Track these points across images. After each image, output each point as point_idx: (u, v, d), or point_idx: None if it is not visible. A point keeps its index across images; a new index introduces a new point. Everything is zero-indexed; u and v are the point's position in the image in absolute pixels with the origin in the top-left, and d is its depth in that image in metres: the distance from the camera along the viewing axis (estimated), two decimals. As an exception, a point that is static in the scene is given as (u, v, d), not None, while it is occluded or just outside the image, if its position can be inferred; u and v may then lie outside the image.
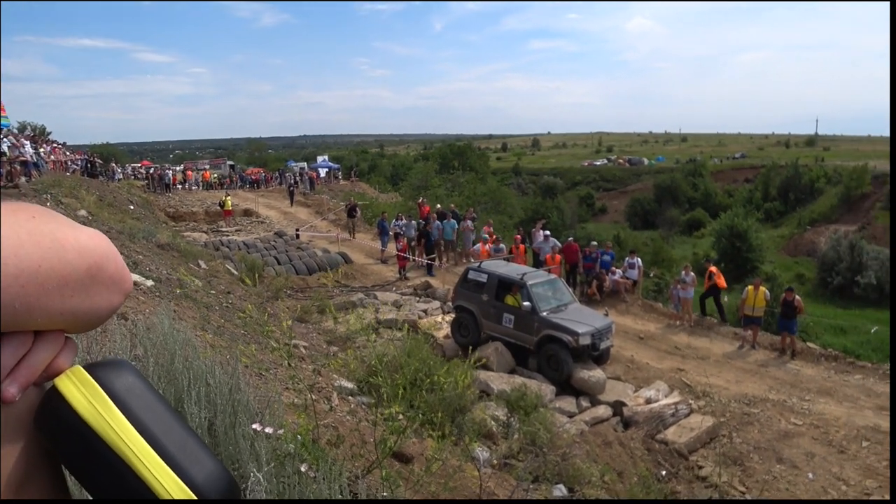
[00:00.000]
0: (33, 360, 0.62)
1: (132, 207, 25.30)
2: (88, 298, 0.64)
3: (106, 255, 0.67)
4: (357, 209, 28.29)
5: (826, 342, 19.73)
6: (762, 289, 15.48)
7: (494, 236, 20.87)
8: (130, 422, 0.63)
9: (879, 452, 10.59)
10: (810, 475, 10.05)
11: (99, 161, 42.45)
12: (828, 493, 9.62)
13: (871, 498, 9.45)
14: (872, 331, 24.19)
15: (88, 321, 0.67)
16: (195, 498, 0.62)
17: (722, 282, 16.95)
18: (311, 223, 30.42)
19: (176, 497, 0.61)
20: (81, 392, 0.63)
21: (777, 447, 10.84)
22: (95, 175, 36.51)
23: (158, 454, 0.62)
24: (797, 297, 15.25)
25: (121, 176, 44.29)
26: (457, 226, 22.08)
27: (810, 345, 16.34)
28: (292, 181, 42.60)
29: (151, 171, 46.87)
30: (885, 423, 11.51)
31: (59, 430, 0.62)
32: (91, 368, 0.65)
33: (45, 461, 0.65)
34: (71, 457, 0.63)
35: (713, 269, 17.46)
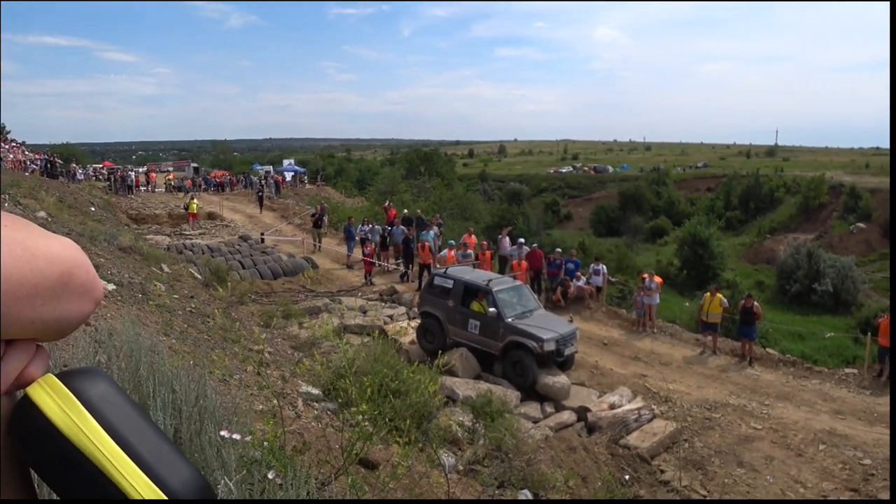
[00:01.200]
0: (5, 369, 0.62)
1: (93, 209, 24.87)
2: (59, 307, 0.64)
3: (77, 263, 0.67)
4: (324, 218, 26.82)
5: (784, 348, 20.13)
6: (718, 295, 15.84)
7: (473, 240, 20.79)
8: (105, 429, 0.63)
9: (835, 455, 10.87)
10: (769, 478, 10.26)
11: (59, 161, 41.62)
12: (786, 495, 9.84)
13: (842, 499, 9.68)
14: (827, 336, 24.75)
15: (60, 329, 0.66)
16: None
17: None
18: (277, 227, 30.14)
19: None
20: (55, 400, 0.62)
21: (737, 451, 11.05)
22: (56, 175, 35.81)
23: (134, 461, 0.62)
24: (756, 303, 15.60)
25: (82, 177, 43.43)
26: (432, 235, 21.73)
27: (769, 350, 16.69)
28: (260, 186, 41.99)
29: (114, 172, 45.96)
30: (841, 427, 11.82)
31: (32, 438, 0.62)
32: (64, 377, 0.64)
33: (14, 470, 0.64)
34: (45, 466, 0.62)
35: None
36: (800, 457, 10.93)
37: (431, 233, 21.61)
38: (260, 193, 37.63)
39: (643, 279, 17.69)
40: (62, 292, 0.64)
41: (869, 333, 15.63)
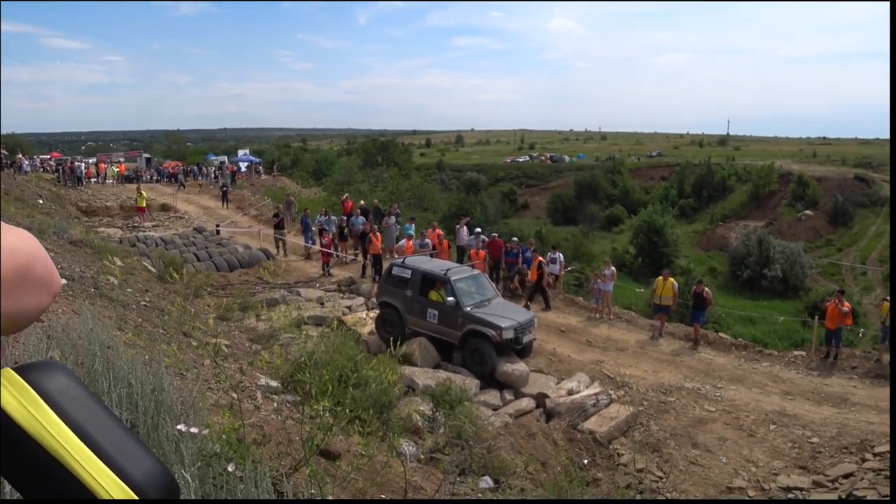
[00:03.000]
0: None
1: (41, 202, 24.20)
2: (17, 299, 0.63)
3: (35, 255, 0.66)
4: (285, 216, 24.75)
5: (736, 332, 20.67)
6: (671, 280, 16.19)
7: (439, 233, 20.77)
8: (66, 423, 0.62)
9: (785, 435, 11.23)
10: (723, 458, 10.55)
11: (4, 152, 40.32)
12: (739, 474, 10.13)
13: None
14: (780, 321, 25.45)
15: (17, 323, 0.65)
16: (136, 498, 0.62)
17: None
18: (232, 219, 29.71)
19: (117, 497, 0.61)
20: (13, 394, 0.61)
21: (692, 433, 11.32)
22: (0, 167, 34.68)
23: (96, 454, 0.61)
24: (706, 289, 16.05)
25: (29, 168, 42.15)
26: (412, 227, 21.55)
27: (722, 335, 17.11)
28: (221, 180, 40.57)
29: (63, 163, 44.62)
30: (790, 407, 12.21)
31: None
32: (22, 370, 0.63)
33: None
34: (4, 461, 0.61)
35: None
36: (752, 437, 11.26)
37: (413, 226, 21.57)
38: (225, 189, 35.27)
39: (604, 265, 18.06)
40: (20, 285, 0.63)
41: (816, 317, 16.12)
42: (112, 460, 0.62)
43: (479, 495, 6.24)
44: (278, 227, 24.03)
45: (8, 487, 0.67)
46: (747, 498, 9.63)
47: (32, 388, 0.62)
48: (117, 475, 0.61)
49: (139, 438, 0.68)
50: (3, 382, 0.62)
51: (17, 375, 0.63)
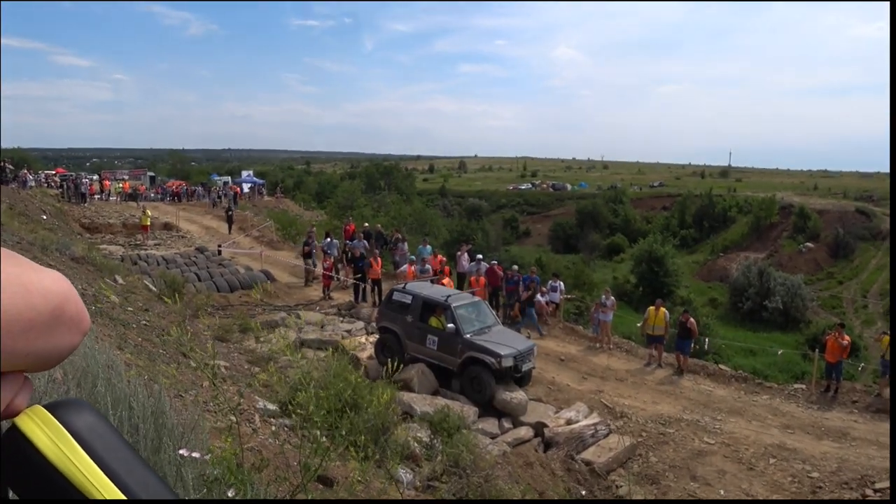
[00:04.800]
0: None
1: (45, 217, 24.26)
2: (51, 340, 0.65)
3: (68, 297, 0.68)
4: (313, 244, 22.37)
5: (736, 364, 20.59)
6: (662, 310, 16.25)
7: (441, 259, 20.80)
8: (94, 461, 0.63)
9: (785, 469, 11.15)
10: (722, 491, 10.47)
11: (10, 167, 40.47)
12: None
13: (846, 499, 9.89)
14: (779, 353, 25.35)
15: (49, 361, 0.67)
16: None
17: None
18: (234, 239, 29.74)
19: None
20: (44, 432, 0.62)
21: (691, 465, 11.25)
22: (6, 181, 34.80)
23: (122, 492, 0.63)
24: (692, 319, 16.19)
25: (33, 183, 42.26)
26: (430, 250, 21.47)
27: (722, 366, 17.05)
28: (226, 202, 40.19)
29: (67, 179, 44.73)
30: (790, 441, 12.13)
31: (22, 471, 0.62)
32: (51, 408, 0.65)
33: None
34: (33, 495, 0.62)
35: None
36: (751, 470, 11.18)
37: (429, 247, 21.61)
38: (230, 212, 33.59)
39: (604, 295, 18.09)
40: (54, 326, 0.65)
41: (817, 350, 16.07)
42: (137, 498, 0.63)
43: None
44: (307, 255, 22.51)
45: None
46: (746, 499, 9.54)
47: (62, 425, 0.64)
48: None
49: (162, 478, 0.69)
50: (35, 420, 0.63)
51: (48, 413, 0.64)
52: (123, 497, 0.63)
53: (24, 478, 0.62)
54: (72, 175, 50.20)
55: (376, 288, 19.38)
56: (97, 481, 0.62)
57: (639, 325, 18.22)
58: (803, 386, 15.36)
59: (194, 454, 2.57)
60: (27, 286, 0.62)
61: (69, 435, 0.63)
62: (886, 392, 13.89)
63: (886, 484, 10.36)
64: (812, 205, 68.64)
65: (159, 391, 3.38)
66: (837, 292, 48.72)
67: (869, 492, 10.31)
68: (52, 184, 45.62)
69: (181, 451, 2.51)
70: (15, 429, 0.63)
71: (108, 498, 0.62)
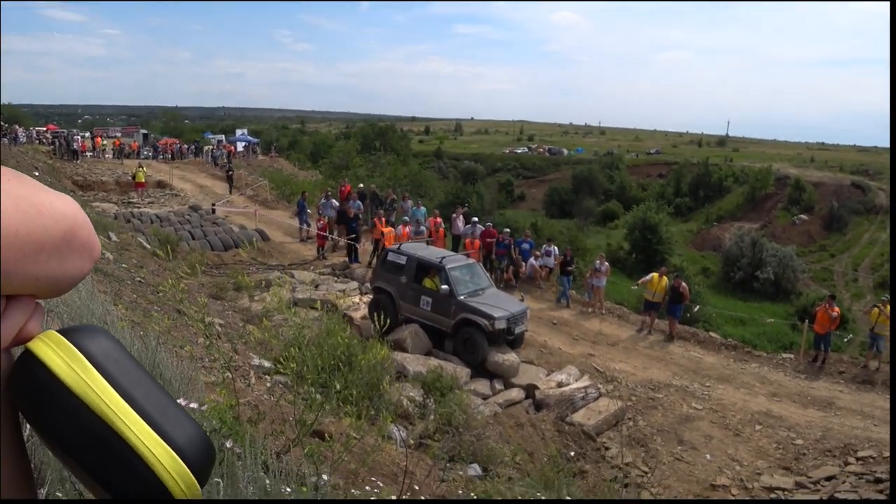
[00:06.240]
0: (6, 324, 0.61)
1: (37, 174, 23.97)
2: (62, 264, 0.64)
3: (79, 221, 0.67)
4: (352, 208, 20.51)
5: (726, 332, 20.75)
6: (665, 278, 16.24)
7: (438, 221, 20.73)
8: (111, 384, 0.63)
9: (770, 435, 11.34)
10: (708, 456, 10.65)
11: (3, 123, 40.00)
12: (723, 472, 10.23)
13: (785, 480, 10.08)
14: (767, 321, 25.58)
15: (60, 287, 0.66)
16: (179, 461, 0.63)
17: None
18: (228, 198, 29.60)
19: (161, 457, 0.62)
20: (59, 355, 0.62)
21: (678, 430, 11.42)
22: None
23: (141, 416, 0.62)
24: (684, 284, 16.19)
25: (24, 140, 41.81)
26: (423, 212, 21.41)
27: (712, 334, 17.21)
28: (220, 160, 40.10)
29: (59, 136, 44.21)
30: (777, 409, 12.31)
31: (37, 393, 0.61)
32: (65, 332, 0.64)
33: (10, 429, 0.63)
34: (50, 422, 0.62)
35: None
36: (737, 436, 11.37)
37: (423, 209, 21.52)
38: (230, 172, 32.37)
39: (598, 260, 18.13)
40: (65, 250, 0.64)
41: (806, 321, 16.23)
42: (155, 423, 0.63)
43: (468, 494, 6.29)
44: (349, 224, 20.23)
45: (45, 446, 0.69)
46: (735, 497, 9.72)
47: (77, 349, 0.63)
48: (160, 436, 0.63)
49: (178, 403, 0.69)
50: (49, 343, 0.63)
51: (61, 336, 0.63)
52: (140, 420, 0.63)
53: (39, 402, 0.62)
54: (63, 132, 49.59)
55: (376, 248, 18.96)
56: (114, 404, 0.62)
57: (634, 287, 18.35)
58: (791, 356, 15.53)
59: (192, 404, 2.59)
60: (38, 207, 0.62)
61: (84, 359, 0.63)
62: (873, 364, 14.10)
63: (869, 452, 10.56)
64: (808, 177, 68.50)
65: (154, 343, 3.40)
66: (829, 265, 48.94)
67: (851, 460, 10.49)
68: (44, 140, 45.10)
69: (179, 400, 2.52)
70: (28, 353, 0.62)
71: (123, 419, 0.62)
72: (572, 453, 10.05)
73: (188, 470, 0.63)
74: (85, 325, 0.69)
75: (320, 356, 4.77)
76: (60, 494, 1.94)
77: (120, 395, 0.63)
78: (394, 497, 4.00)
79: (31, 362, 0.62)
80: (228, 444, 2.57)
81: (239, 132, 66.73)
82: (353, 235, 19.80)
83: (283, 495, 2.61)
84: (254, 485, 2.43)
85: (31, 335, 0.64)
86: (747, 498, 9.66)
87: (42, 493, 1.87)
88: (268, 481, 2.51)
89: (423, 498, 3.89)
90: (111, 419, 0.62)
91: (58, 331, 0.65)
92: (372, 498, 3.42)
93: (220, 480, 2.18)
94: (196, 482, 0.64)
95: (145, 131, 63.87)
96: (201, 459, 0.65)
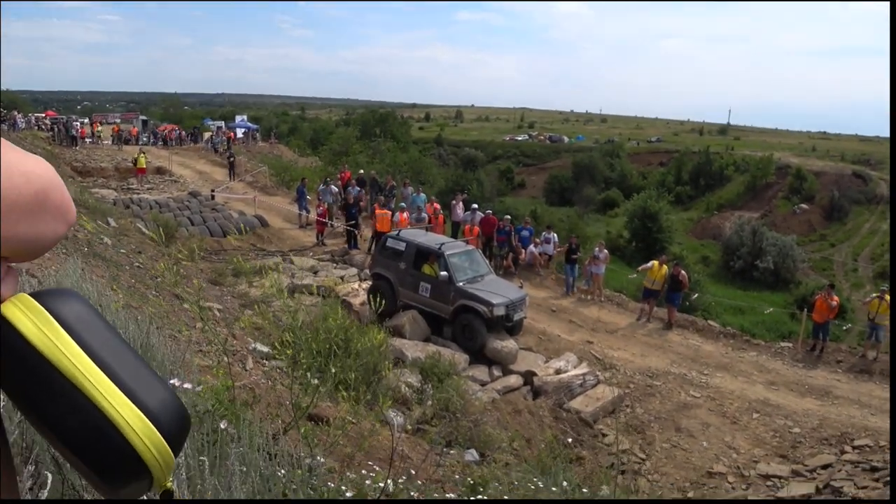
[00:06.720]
0: None
1: (35, 159, 23.97)
2: (34, 226, 0.63)
3: (52, 183, 0.65)
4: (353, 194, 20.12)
5: (725, 321, 20.79)
6: (664, 266, 16.23)
7: (436, 207, 20.69)
8: (81, 348, 0.62)
9: (767, 424, 11.35)
10: (705, 443, 10.68)
11: (3, 110, 39.87)
12: (720, 459, 10.26)
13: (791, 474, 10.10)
14: (769, 311, 25.61)
15: (33, 249, 0.65)
16: (151, 426, 0.62)
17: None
18: (227, 184, 29.53)
19: (132, 422, 0.61)
20: (29, 318, 0.61)
21: (676, 417, 11.45)
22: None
23: (112, 380, 0.62)
24: (683, 272, 16.17)
25: (23, 125, 41.68)
26: (423, 199, 21.31)
27: (710, 322, 17.23)
28: (220, 147, 40.03)
29: (58, 122, 44.03)
30: (774, 397, 12.33)
31: (6, 356, 0.60)
32: (38, 296, 0.63)
33: None
34: (19, 385, 0.61)
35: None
36: (734, 424, 11.39)
37: (423, 195, 21.46)
38: (232, 159, 31.83)
39: (597, 248, 18.11)
40: (38, 211, 0.63)
41: (805, 310, 16.22)
42: (127, 387, 0.62)
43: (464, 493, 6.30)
44: (349, 210, 19.91)
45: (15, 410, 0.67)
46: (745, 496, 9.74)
47: (49, 312, 0.62)
48: (132, 401, 0.62)
49: (152, 368, 0.68)
50: (19, 306, 0.62)
51: (33, 300, 0.63)
52: (111, 384, 0.62)
53: (9, 367, 0.61)
54: (62, 118, 49.42)
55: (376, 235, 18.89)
56: (85, 369, 0.61)
57: (632, 275, 18.33)
58: (790, 344, 15.54)
59: (186, 385, 2.58)
60: (8, 166, 0.60)
61: (56, 322, 0.62)
62: (871, 354, 14.11)
63: (865, 441, 10.57)
64: (809, 166, 68.43)
65: (147, 324, 3.38)
66: (829, 254, 48.97)
67: (847, 448, 10.51)
68: (43, 127, 44.94)
69: (173, 381, 2.52)
70: None
71: (93, 382, 0.61)
72: (569, 440, 10.07)
73: (160, 436, 0.62)
74: (58, 287, 0.68)
75: (315, 340, 4.75)
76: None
77: (91, 359, 0.62)
78: (389, 481, 4.00)
79: (2, 326, 0.61)
80: (223, 426, 2.56)
81: (238, 118, 66.41)
82: (353, 222, 19.78)
83: (278, 478, 2.60)
84: (248, 466, 2.42)
85: (2, 298, 0.63)
86: (743, 486, 9.69)
87: (43, 494, 1.86)
88: (262, 463, 2.50)
89: (414, 496, 3.89)
90: (82, 383, 0.61)
91: (30, 294, 0.64)
92: (367, 482, 3.41)
93: (205, 459, 2.17)
94: (169, 448, 0.62)
95: (144, 117, 63.57)
96: (175, 426, 0.64)
